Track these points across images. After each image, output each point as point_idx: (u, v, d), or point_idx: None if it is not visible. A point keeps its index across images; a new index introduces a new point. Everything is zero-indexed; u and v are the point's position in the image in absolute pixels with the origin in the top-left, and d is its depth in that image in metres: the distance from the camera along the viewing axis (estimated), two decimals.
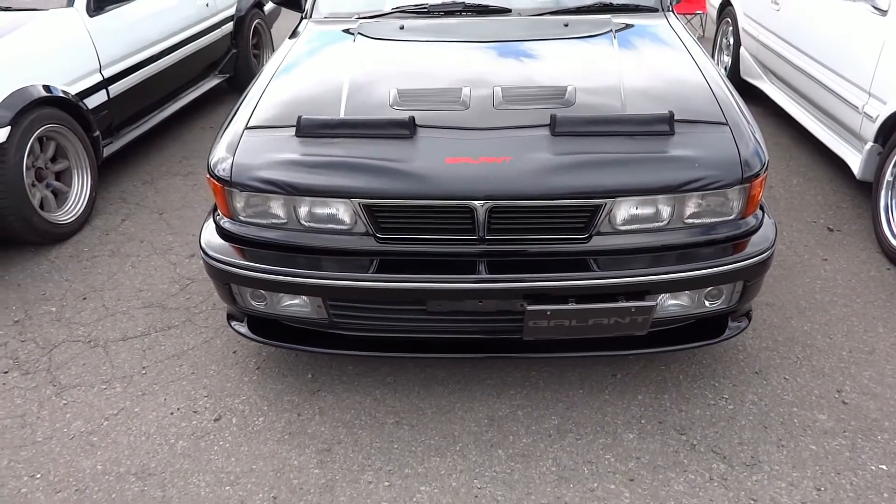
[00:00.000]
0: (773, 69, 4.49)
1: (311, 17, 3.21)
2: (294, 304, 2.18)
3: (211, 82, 5.13)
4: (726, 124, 2.18)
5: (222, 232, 2.22)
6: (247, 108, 2.37)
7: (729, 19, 5.24)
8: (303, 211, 2.11)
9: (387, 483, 2.08)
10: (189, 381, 2.51)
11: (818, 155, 4.19)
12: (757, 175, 2.08)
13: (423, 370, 2.51)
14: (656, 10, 3.10)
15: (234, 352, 2.64)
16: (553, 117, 2.11)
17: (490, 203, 2.01)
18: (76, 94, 3.55)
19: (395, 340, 2.28)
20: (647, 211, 2.07)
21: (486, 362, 2.53)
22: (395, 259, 2.10)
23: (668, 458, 2.14)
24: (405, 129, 2.11)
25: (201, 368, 2.57)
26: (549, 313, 2.00)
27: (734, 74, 5.03)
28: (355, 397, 2.41)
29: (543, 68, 2.59)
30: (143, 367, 2.58)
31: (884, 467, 2.09)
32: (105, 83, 3.83)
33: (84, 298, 3.00)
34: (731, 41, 5.20)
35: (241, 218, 2.18)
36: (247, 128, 2.25)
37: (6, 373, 2.57)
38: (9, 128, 3.08)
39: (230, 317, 2.40)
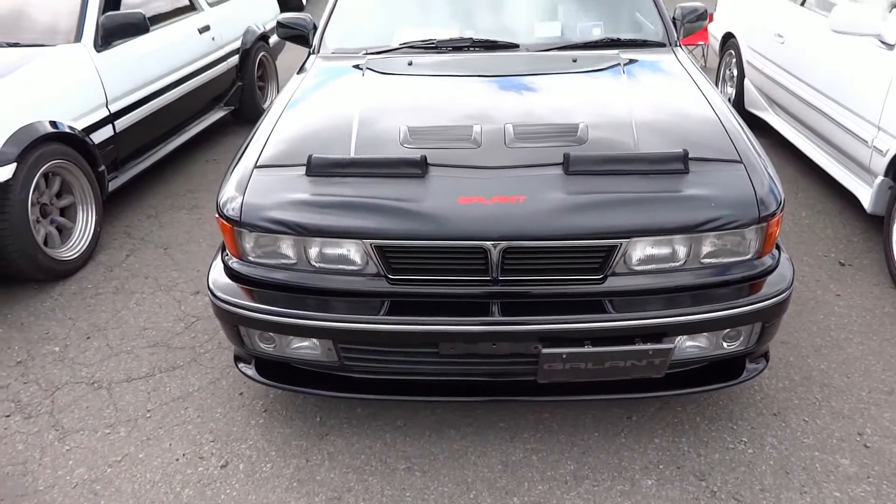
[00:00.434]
0: (778, 101, 4.49)
1: (318, 52, 3.21)
2: (304, 347, 2.14)
3: (216, 115, 5.13)
4: (740, 162, 2.15)
5: (231, 272, 2.18)
6: (256, 145, 2.35)
7: (732, 51, 5.26)
8: (313, 252, 2.08)
9: None
10: (195, 424, 2.45)
11: (826, 187, 4.17)
12: (773, 214, 2.05)
13: (434, 413, 2.46)
14: (664, 45, 3.11)
15: (241, 393, 2.59)
16: (566, 156, 2.09)
17: (504, 244, 1.98)
18: (82, 130, 3.53)
19: (406, 383, 2.23)
20: (663, 251, 2.04)
21: (499, 405, 2.47)
22: (407, 301, 2.06)
23: None
24: (417, 169, 2.09)
25: (207, 411, 2.51)
26: (564, 356, 1.95)
27: (738, 106, 5.03)
28: (365, 441, 2.35)
29: (554, 104, 2.57)
30: (148, 410, 2.52)
31: None
32: (111, 118, 3.81)
33: (88, 338, 2.95)
34: (735, 73, 5.22)
35: (250, 258, 2.14)
36: (256, 166, 2.23)
37: (8, 416, 2.52)
38: (14, 164, 3.05)
39: (237, 358, 2.35)
